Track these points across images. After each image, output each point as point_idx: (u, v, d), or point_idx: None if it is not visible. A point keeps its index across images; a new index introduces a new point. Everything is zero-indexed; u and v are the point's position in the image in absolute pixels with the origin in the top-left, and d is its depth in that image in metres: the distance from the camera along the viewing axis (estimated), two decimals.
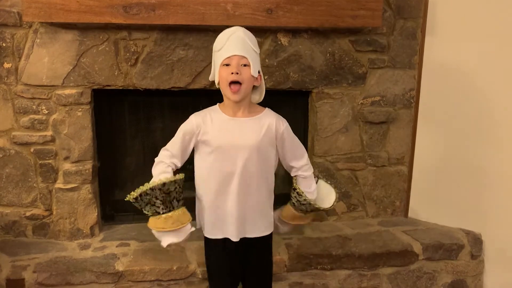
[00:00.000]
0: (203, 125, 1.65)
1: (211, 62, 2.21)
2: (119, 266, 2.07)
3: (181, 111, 2.52)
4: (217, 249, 1.73)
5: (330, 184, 1.88)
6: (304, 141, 2.51)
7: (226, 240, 1.70)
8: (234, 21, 2.08)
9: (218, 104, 1.71)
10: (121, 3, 2.01)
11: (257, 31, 2.20)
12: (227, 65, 1.59)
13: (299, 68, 2.33)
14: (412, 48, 2.43)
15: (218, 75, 1.63)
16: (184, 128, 1.69)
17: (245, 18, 2.09)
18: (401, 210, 2.62)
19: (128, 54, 2.20)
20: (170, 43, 2.21)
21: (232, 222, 1.67)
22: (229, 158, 1.63)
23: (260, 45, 2.01)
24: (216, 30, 2.19)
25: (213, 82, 2.25)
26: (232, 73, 1.57)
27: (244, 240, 1.71)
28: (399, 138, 2.53)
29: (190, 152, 1.71)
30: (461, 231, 2.42)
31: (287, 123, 1.72)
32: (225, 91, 1.61)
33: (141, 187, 1.56)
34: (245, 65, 1.58)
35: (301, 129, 2.49)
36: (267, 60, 2.27)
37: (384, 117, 2.47)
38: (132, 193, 1.56)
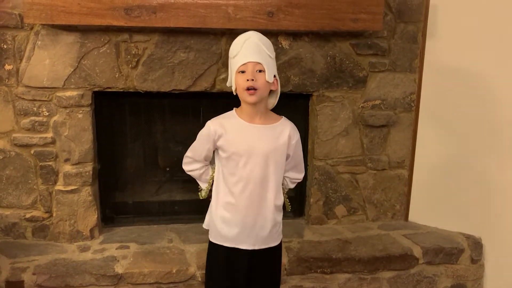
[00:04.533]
0: (220, 131, 1.64)
1: (212, 65, 2.25)
2: (119, 269, 2.07)
3: (182, 113, 2.54)
4: (221, 257, 1.70)
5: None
6: (305, 144, 2.51)
7: (232, 249, 1.67)
8: (235, 24, 2.09)
9: (234, 109, 1.70)
10: (123, 5, 2.01)
11: None
12: (242, 72, 1.59)
13: (299, 71, 2.33)
14: (412, 52, 2.43)
15: (234, 82, 1.62)
16: (202, 135, 1.69)
17: (246, 21, 2.09)
18: (401, 213, 2.62)
19: (129, 56, 2.20)
20: (171, 45, 2.21)
21: (244, 231, 1.65)
22: (245, 164, 1.62)
23: None
24: (217, 33, 2.21)
25: (213, 85, 2.28)
26: (247, 80, 1.56)
27: (255, 251, 1.68)
28: (400, 141, 2.53)
29: (212, 153, 1.72)
30: (461, 235, 2.42)
31: (299, 135, 1.73)
32: (242, 96, 1.61)
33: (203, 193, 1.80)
34: (260, 71, 1.58)
35: (301, 132, 2.45)
36: None
37: (384, 120, 2.47)
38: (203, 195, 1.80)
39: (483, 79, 2.29)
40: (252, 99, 1.58)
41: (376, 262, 2.24)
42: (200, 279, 2.09)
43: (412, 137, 2.53)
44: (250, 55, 1.59)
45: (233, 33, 2.22)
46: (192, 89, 2.28)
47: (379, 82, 2.43)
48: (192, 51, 2.23)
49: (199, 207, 2.50)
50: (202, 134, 1.69)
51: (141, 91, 2.26)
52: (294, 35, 2.29)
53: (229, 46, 2.21)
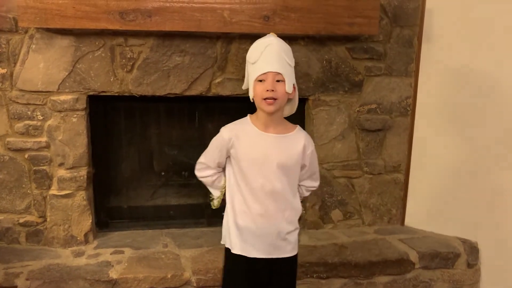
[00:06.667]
0: (234, 139, 1.61)
1: (207, 69, 2.24)
2: (113, 274, 2.05)
3: (177, 117, 2.53)
4: (240, 266, 1.67)
5: None
6: None
7: (248, 259, 1.64)
8: (230, 28, 2.08)
9: (248, 115, 1.66)
10: (118, 9, 2.01)
11: (254, 38, 2.20)
12: (261, 80, 1.55)
13: (295, 75, 2.31)
14: (408, 56, 2.43)
15: (253, 90, 1.59)
16: (216, 142, 1.65)
17: (241, 25, 2.08)
18: (397, 218, 2.62)
19: (124, 60, 2.19)
20: (166, 49, 2.21)
21: (257, 240, 1.63)
22: (260, 174, 1.59)
23: None
24: (213, 36, 2.21)
25: (209, 89, 2.27)
26: (267, 90, 1.53)
27: (269, 260, 1.65)
28: (396, 145, 2.52)
29: (225, 160, 1.68)
30: (458, 239, 2.42)
31: (313, 144, 1.71)
32: (260, 105, 1.58)
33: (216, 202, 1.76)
34: (279, 81, 1.55)
35: None
36: None
37: (380, 124, 2.47)
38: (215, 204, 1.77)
39: (479, 83, 2.29)
40: (270, 108, 1.55)
41: (372, 267, 2.23)
42: (195, 285, 2.08)
43: (408, 141, 2.53)
44: (270, 64, 1.55)
45: (228, 37, 2.22)
46: (188, 93, 2.27)
47: (375, 86, 2.43)
48: (188, 55, 2.22)
49: (194, 212, 2.50)
50: (215, 140, 1.66)
51: (136, 95, 2.25)
52: (290, 39, 2.27)
53: (225, 50, 2.24)
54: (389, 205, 2.59)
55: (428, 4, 2.37)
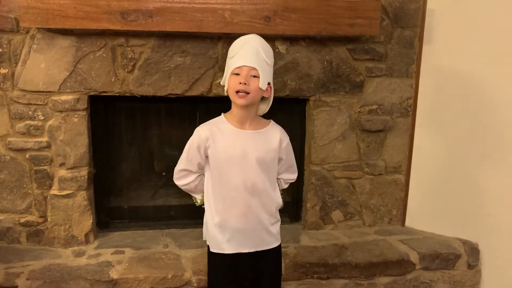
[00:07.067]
0: (211, 138, 1.63)
1: (208, 69, 2.25)
2: (114, 274, 2.05)
3: (178, 118, 2.53)
4: (223, 265, 1.69)
5: None
6: (301, 149, 2.51)
7: (233, 255, 1.67)
8: (232, 29, 2.08)
9: (223, 114, 1.69)
10: (119, 9, 2.01)
11: None
12: (237, 74, 1.58)
13: (296, 76, 2.33)
14: (409, 57, 2.43)
15: (227, 83, 1.62)
16: (194, 143, 1.66)
17: (242, 26, 2.08)
18: (398, 219, 2.61)
19: (125, 60, 2.20)
20: (167, 50, 2.21)
21: (241, 236, 1.65)
22: (239, 170, 1.62)
23: None
24: (214, 37, 2.21)
25: (210, 89, 2.27)
26: (240, 83, 1.57)
27: (252, 254, 1.69)
28: (396, 146, 2.52)
29: (204, 162, 1.69)
30: (458, 240, 2.41)
31: (288, 137, 1.73)
32: (232, 97, 1.61)
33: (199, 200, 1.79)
34: (254, 76, 1.58)
35: (298, 137, 2.48)
36: None
37: (381, 125, 2.47)
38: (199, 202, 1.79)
39: (480, 84, 2.30)
40: (241, 101, 1.58)
41: (373, 268, 2.23)
42: (195, 285, 2.08)
43: (409, 142, 2.53)
44: (246, 58, 1.59)
45: (229, 38, 2.22)
46: (189, 94, 2.27)
47: (376, 87, 2.43)
48: (189, 56, 2.23)
49: (195, 212, 2.50)
50: (192, 142, 1.67)
51: (137, 95, 2.25)
52: (291, 40, 2.28)
53: (226, 50, 2.22)
54: (390, 206, 2.58)
55: (429, 5, 2.37)
